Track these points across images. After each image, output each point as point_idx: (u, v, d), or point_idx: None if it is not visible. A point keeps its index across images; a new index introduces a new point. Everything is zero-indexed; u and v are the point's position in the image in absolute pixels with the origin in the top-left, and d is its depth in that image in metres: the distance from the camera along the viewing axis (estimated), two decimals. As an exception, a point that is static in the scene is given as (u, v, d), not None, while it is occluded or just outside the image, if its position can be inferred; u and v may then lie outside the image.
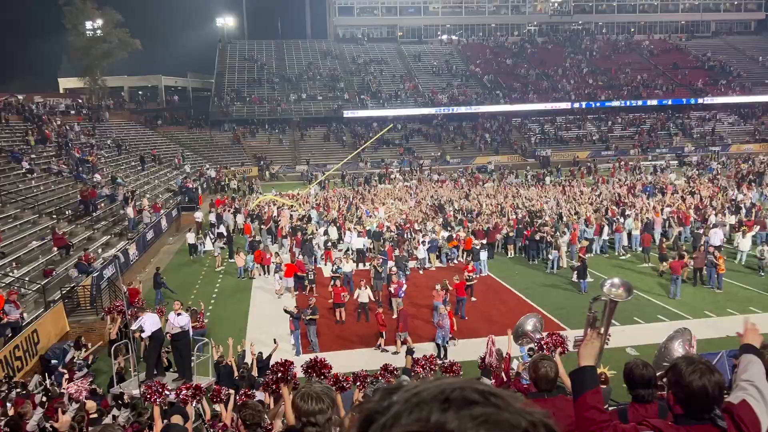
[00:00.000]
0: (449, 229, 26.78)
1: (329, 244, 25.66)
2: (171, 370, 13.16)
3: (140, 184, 37.90)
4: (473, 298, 19.76)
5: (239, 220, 31.74)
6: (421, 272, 23.50)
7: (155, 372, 12.35)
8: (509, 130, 63.24)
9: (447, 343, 15.73)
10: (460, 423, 0.77)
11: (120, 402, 11.28)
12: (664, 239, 24.41)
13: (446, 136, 62.11)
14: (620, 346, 15.61)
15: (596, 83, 68.29)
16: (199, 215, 32.15)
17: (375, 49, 74.65)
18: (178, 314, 12.79)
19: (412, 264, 23.54)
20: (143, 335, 12.41)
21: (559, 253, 23.37)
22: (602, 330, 3.15)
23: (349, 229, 26.57)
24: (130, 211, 28.19)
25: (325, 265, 24.31)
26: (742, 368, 2.64)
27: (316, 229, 27.67)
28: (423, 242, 24.28)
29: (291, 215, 31.58)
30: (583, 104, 64.93)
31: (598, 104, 65.09)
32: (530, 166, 52.21)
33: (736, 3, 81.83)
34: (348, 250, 25.32)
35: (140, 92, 76.05)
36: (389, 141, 58.83)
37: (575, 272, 21.17)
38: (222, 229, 28.93)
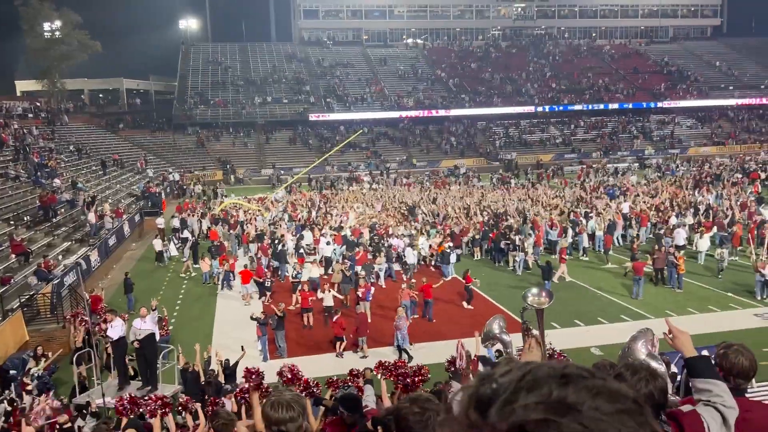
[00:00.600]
0: (424, 233, 26.73)
1: (301, 250, 24.70)
2: (136, 378, 12.89)
3: (102, 189, 37.13)
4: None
5: (204, 225, 31.26)
6: (407, 278, 22.80)
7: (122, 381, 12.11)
8: (474, 134, 63.86)
9: (406, 345, 15.58)
10: (578, 396, 0.81)
11: (84, 412, 11.03)
12: (632, 239, 24.97)
13: (413, 140, 62.41)
14: (585, 347, 15.90)
15: (559, 87, 69.49)
16: (161, 221, 31.50)
17: (341, 52, 74.65)
18: (143, 318, 12.57)
19: (396, 267, 23.37)
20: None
21: (525, 256, 23.65)
22: (539, 337, 3.21)
23: (323, 235, 25.93)
24: (91, 216, 27.59)
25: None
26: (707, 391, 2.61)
27: (293, 234, 27.20)
28: (411, 246, 23.75)
29: (258, 219, 31.31)
30: (547, 108, 65.99)
31: (561, 108, 66.25)
32: (494, 170, 52.78)
33: (693, 9, 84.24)
34: (322, 258, 24.54)
35: (101, 95, 74.52)
36: (356, 144, 58.83)
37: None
38: (187, 234, 28.56)
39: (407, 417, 2.58)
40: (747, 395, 3.17)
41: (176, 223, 30.95)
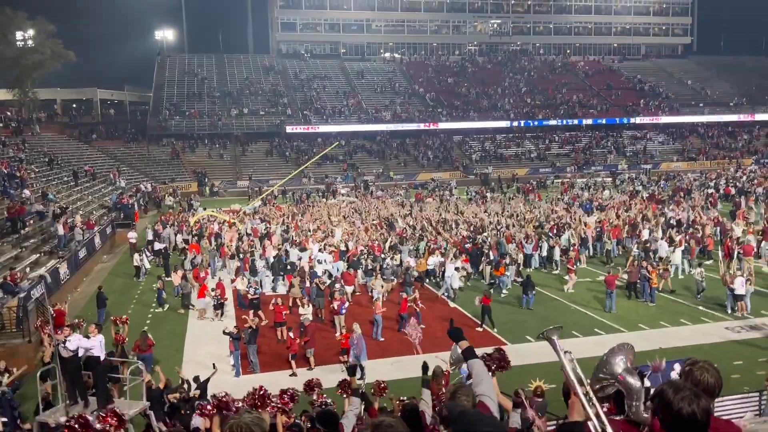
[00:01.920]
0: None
1: (288, 267, 23.53)
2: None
3: (73, 200, 36.43)
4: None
5: (180, 237, 30.71)
6: (451, 303, 21.63)
7: (79, 399, 11.73)
8: (451, 147, 64.21)
9: (363, 361, 15.12)
10: None
11: (46, 430, 10.70)
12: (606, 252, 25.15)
13: (390, 153, 62.53)
14: (558, 360, 15.91)
15: (534, 102, 70.32)
16: (132, 235, 30.83)
17: (318, 65, 74.73)
18: (86, 337, 12.15)
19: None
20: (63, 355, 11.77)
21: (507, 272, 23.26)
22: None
23: (321, 250, 25.13)
24: (60, 228, 26.99)
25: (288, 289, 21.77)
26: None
27: (279, 244, 26.68)
28: (457, 268, 22.29)
29: (239, 234, 30.85)
30: (522, 123, 66.72)
31: (536, 123, 67.02)
32: (471, 183, 53.02)
33: (664, 28, 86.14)
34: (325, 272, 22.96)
35: (74, 105, 73.39)
36: (333, 157, 58.74)
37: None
38: (159, 246, 28.16)
39: None
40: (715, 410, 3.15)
41: (150, 235, 30.51)
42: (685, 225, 29.28)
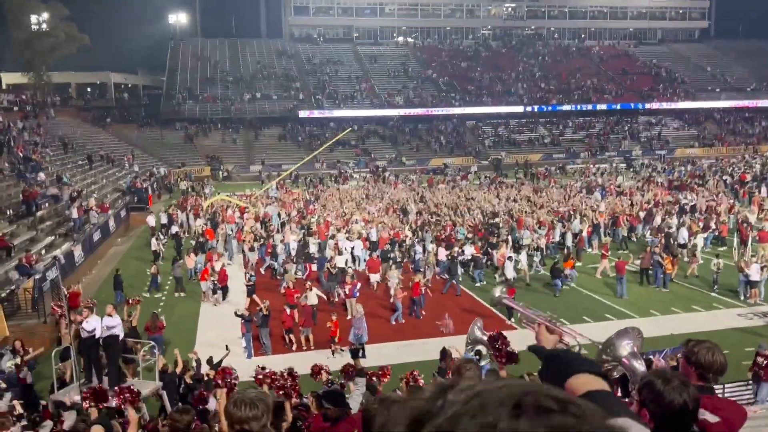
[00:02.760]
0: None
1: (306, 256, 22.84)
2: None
3: (87, 184, 36.73)
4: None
5: (199, 221, 30.55)
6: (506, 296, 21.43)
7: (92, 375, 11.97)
8: (463, 133, 63.90)
9: (361, 342, 15.39)
10: None
11: (62, 409, 10.90)
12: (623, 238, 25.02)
13: (402, 138, 62.34)
14: (570, 346, 15.89)
15: (548, 87, 69.66)
16: (151, 219, 30.98)
17: (331, 49, 74.39)
18: (110, 316, 12.39)
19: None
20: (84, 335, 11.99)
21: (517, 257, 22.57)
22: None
23: (348, 237, 24.40)
24: (74, 211, 27.24)
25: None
26: None
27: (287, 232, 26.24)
28: (510, 258, 21.60)
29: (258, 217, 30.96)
30: (536, 108, 66.17)
31: (549, 108, 66.43)
32: (483, 169, 52.72)
33: (681, 12, 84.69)
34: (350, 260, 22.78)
35: (88, 89, 73.80)
36: (345, 142, 58.64)
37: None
38: (175, 228, 28.36)
39: (374, 418, 2.49)
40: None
41: (164, 219, 30.68)
42: (698, 212, 29.06)
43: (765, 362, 12.08)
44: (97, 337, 12.25)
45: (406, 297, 18.75)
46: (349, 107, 63.70)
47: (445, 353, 12.14)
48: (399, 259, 22.88)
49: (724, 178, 40.57)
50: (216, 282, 20.65)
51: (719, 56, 79.14)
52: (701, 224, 25.99)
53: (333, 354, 15.78)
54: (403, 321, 18.39)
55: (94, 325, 12.02)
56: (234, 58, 70.77)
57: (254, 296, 18.30)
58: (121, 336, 12.63)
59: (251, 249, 24.10)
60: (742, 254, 21.48)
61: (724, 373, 3.15)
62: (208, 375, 12.08)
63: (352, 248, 23.67)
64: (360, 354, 15.18)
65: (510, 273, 20.93)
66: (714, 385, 3.11)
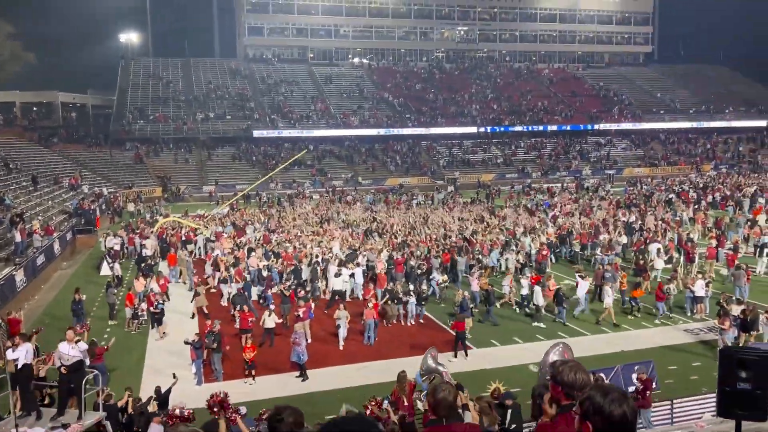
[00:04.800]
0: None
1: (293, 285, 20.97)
2: (51, 406, 12.12)
3: (32, 206, 35.45)
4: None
5: (149, 243, 29.61)
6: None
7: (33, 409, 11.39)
8: (419, 153, 64.47)
9: (302, 361, 15.63)
10: None
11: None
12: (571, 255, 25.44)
13: (358, 158, 62.46)
14: (524, 363, 16.01)
15: (500, 108, 71.09)
16: (116, 241, 29.75)
17: (286, 69, 74.32)
18: (76, 342, 11.88)
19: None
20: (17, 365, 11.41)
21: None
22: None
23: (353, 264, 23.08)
24: (17, 234, 26.21)
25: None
26: None
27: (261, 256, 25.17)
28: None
29: (199, 238, 30.42)
30: (488, 128, 67.40)
31: (502, 129, 67.77)
32: (439, 188, 53.09)
33: (626, 36, 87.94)
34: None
35: (34, 108, 71.58)
36: (301, 162, 58.40)
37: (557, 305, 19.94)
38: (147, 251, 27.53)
39: None
40: None
41: (111, 243, 29.71)
42: (640, 230, 29.96)
43: (641, 387, 11.93)
44: (57, 366, 11.73)
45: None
46: (304, 127, 63.56)
47: (399, 375, 12.05)
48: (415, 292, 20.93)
49: (670, 196, 41.91)
50: (135, 307, 19.90)
51: (663, 79, 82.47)
52: (649, 241, 26.63)
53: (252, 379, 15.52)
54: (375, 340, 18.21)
55: (19, 354, 11.41)
56: (187, 78, 69.91)
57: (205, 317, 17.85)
58: (87, 363, 12.16)
59: (223, 280, 22.61)
60: (688, 271, 22.10)
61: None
62: (146, 409, 11.67)
63: (352, 274, 22.51)
64: (302, 375, 15.53)
65: (541, 300, 19.78)
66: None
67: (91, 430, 11.23)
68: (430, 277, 22.89)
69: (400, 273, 23.24)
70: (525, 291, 20.77)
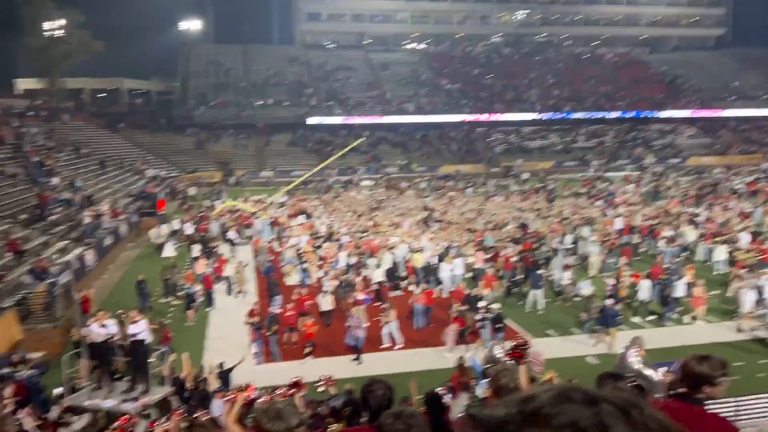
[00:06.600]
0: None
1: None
2: (125, 379, 12.72)
3: (100, 189, 36.97)
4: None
5: (214, 227, 30.59)
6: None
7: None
8: (474, 139, 63.78)
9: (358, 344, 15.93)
10: (617, 426, 0.79)
11: (74, 412, 10.94)
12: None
13: (413, 145, 62.32)
14: (581, 355, 15.76)
15: (561, 95, 69.42)
16: (165, 227, 30.96)
17: (342, 56, 74.57)
18: (134, 322, 12.50)
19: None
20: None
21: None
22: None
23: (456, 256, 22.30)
24: (87, 216, 27.39)
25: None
26: None
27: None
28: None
29: (256, 222, 31.08)
30: (548, 115, 65.95)
31: (562, 115, 66.19)
32: (494, 176, 52.45)
33: (696, 19, 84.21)
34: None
35: (102, 95, 74.37)
36: (356, 148, 58.61)
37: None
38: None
39: None
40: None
41: (175, 225, 30.82)
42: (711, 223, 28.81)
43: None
44: (111, 341, 12.41)
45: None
46: (359, 113, 63.75)
47: (459, 362, 12.12)
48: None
49: (737, 186, 40.18)
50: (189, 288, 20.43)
51: (734, 64, 78.45)
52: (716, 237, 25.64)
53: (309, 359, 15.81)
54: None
55: (139, 329, 12.27)
56: (246, 64, 71.10)
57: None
58: (148, 341, 12.81)
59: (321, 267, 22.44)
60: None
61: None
62: (207, 387, 12.04)
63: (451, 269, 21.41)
64: (357, 358, 15.71)
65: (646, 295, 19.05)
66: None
67: (158, 403, 11.72)
68: (548, 274, 21.57)
69: (508, 271, 21.48)
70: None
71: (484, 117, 64.98)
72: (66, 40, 55.49)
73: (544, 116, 65.90)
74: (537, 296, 19.62)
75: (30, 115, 45.54)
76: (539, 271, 20.65)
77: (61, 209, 28.59)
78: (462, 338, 16.18)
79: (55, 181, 32.29)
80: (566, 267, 20.99)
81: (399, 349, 16.76)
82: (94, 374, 12.92)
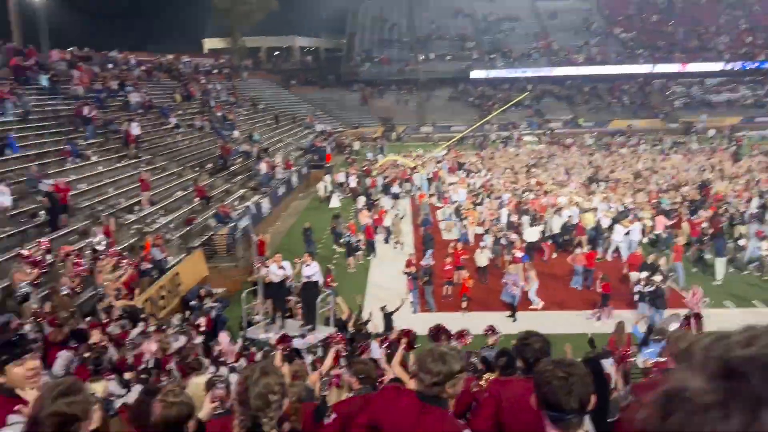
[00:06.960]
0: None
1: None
2: (296, 318, 13.98)
3: (274, 142, 39.65)
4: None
5: (373, 180, 32.02)
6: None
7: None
8: (650, 93, 59.03)
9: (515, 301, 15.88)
10: None
11: (253, 345, 12.19)
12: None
13: (580, 98, 59.16)
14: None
15: (755, 41, 61.57)
16: (340, 176, 33.12)
17: (508, 5, 71.93)
18: (307, 265, 13.64)
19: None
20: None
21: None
22: None
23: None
24: (263, 166, 29.63)
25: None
26: None
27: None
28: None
29: (416, 177, 31.69)
30: (738, 65, 58.98)
31: (755, 65, 58.84)
32: (672, 133, 48.37)
33: None
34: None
35: (276, 53, 78.91)
36: (518, 102, 56.96)
37: None
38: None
39: (550, 381, 2.36)
40: None
41: (341, 177, 32.56)
42: None
43: None
44: (287, 283, 13.79)
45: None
46: (523, 66, 61.56)
47: (617, 326, 11.73)
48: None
49: None
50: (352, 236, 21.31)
51: None
52: None
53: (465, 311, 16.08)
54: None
55: (312, 270, 13.83)
56: (410, 19, 71.36)
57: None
58: (320, 282, 14.09)
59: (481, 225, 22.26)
60: None
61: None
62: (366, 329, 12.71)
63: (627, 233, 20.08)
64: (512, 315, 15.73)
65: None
66: None
67: (323, 341, 12.62)
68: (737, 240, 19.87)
69: (694, 237, 19.82)
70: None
71: (662, 68, 59.69)
72: (246, 1, 59.27)
73: (734, 66, 58.99)
74: (720, 264, 18.13)
75: (214, 73, 49.57)
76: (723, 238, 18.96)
77: (240, 160, 31.22)
78: (605, 305, 15.70)
79: (236, 134, 35.22)
80: (762, 236, 18.92)
81: (554, 310, 16.48)
82: (269, 311, 14.27)
